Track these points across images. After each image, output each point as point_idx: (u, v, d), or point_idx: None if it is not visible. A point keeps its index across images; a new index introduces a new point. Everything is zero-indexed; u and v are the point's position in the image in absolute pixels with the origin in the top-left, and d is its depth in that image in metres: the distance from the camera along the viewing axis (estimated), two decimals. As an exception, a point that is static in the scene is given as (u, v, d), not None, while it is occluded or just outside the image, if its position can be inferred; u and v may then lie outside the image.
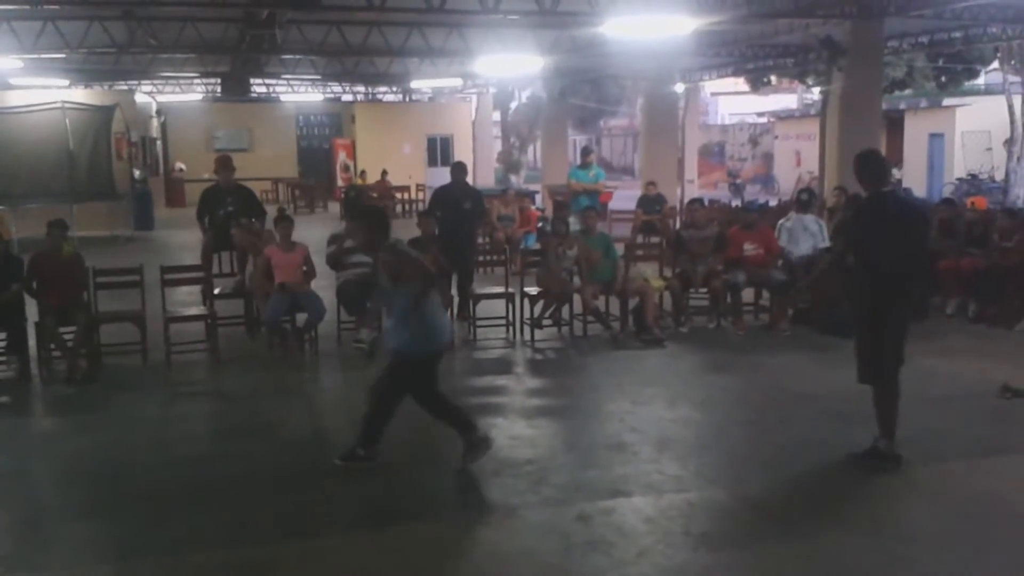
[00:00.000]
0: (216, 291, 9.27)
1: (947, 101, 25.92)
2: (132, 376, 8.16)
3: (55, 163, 17.59)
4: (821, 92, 19.58)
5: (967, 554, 4.51)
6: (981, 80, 28.02)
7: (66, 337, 8.02)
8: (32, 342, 8.17)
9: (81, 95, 20.88)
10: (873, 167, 5.79)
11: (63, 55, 17.82)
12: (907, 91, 27.40)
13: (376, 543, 4.71)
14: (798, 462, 5.84)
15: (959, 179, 24.54)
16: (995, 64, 24.29)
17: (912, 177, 25.28)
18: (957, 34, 18.10)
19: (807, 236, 9.92)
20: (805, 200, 10.29)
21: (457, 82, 26.65)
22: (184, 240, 16.96)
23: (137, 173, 21.78)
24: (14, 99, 19.14)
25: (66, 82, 22.41)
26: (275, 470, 5.80)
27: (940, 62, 24.34)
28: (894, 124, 26.10)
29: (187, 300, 10.12)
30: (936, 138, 26.19)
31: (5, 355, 8.17)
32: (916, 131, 26.65)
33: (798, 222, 9.99)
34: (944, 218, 10.88)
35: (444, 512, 5.14)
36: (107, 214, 18.48)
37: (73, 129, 17.71)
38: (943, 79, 25.70)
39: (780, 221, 10.31)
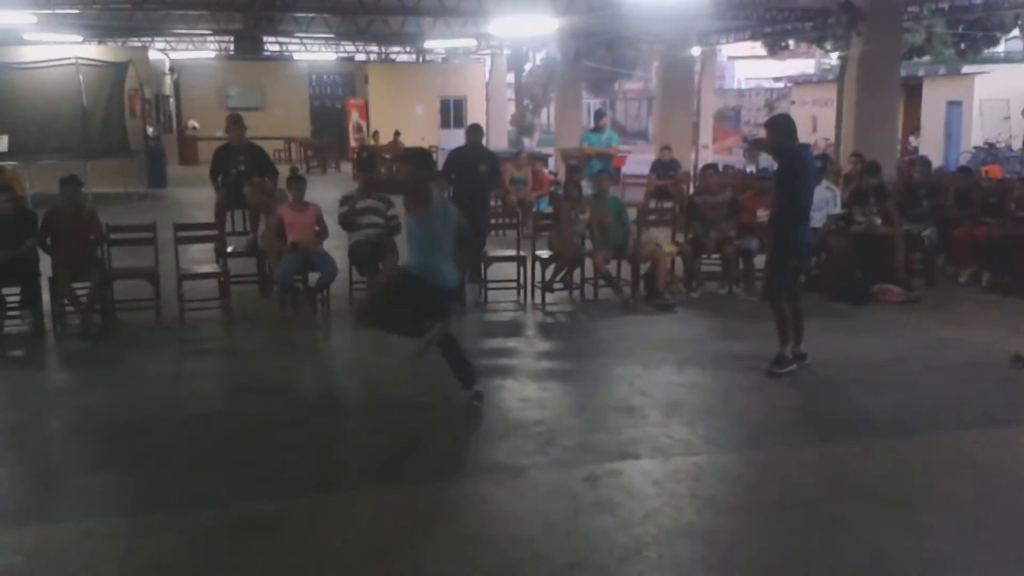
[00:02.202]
0: (229, 249, 9.31)
1: (966, 69, 25.58)
2: (145, 332, 8.22)
3: (69, 119, 17.60)
4: (839, 57, 19.42)
5: (976, 522, 4.52)
6: (1001, 48, 27.65)
7: (80, 293, 8.08)
8: (46, 297, 8.23)
9: (95, 51, 20.79)
10: (790, 126, 6.88)
11: (77, 11, 17.74)
12: (926, 58, 27.07)
13: (385, 501, 4.76)
14: (806, 428, 5.86)
15: (976, 148, 24.28)
16: (1015, 32, 23.98)
17: (929, 145, 25.02)
18: (978, 0, 17.84)
19: (820, 203, 9.85)
20: (820, 167, 10.20)
21: (471, 43, 26.43)
22: (197, 198, 16.98)
23: (150, 130, 21.77)
24: (28, 55, 19.09)
25: (79, 38, 22.31)
26: (286, 427, 5.85)
27: (960, 29, 24.04)
28: (912, 91, 25.79)
29: (200, 258, 10.16)
30: (954, 106, 25.87)
31: (19, 310, 8.24)
32: (934, 99, 26.33)
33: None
34: (960, 187, 10.81)
35: (453, 471, 5.17)
36: (120, 171, 18.49)
37: (87, 85, 17.69)
38: (962, 46, 25.38)
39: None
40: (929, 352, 7.56)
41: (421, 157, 6.23)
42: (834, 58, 27.33)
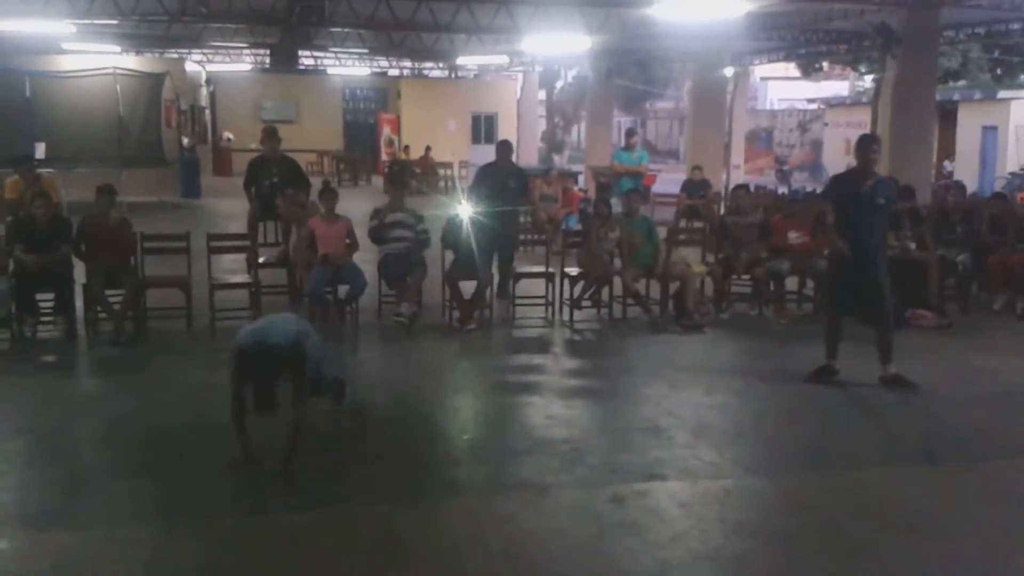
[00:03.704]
0: (260, 260, 9.37)
1: (1002, 93, 25.35)
2: (176, 340, 8.28)
3: (105, 128, 17.85)
4: (874, 80, 19.29)
5: (1006, 553, 4.45)
6: (1038, 73, 27.40)
7: (113, 300, 8.16)
8: (79, 303, 8.32)
9: (132, 62, 21.10)
10: None
11: (115, 21, 18.00)
12: (961, 82, 26.87)
13: (411, 515, 4.75)
14: (836, 454, 5.78)
15: (1012, 173, 24.01)
16: (1054, 57, 23.75)
17: (964, 170, 24.80)
18: (1015, 25, 17.65)
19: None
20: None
21: (503, 60, 26.56)
22: (230, 209, 17.11)
23: (186, 141, 22.02)
24: (67, 64, 19.40)
25: (118, 48, 22.64)
26: (312, 438, 5.85)
27: (996, 54, 23.84)
28: (947, 115, 25.59)
29: (232, 268, 10.23)
30: (989, 131, 25.64)
31: (53, 315, 8.33)
32: (969, 123, 26.11)
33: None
34: (995, 212, 10.68)
35: (477, 488, 5.16)
36: (155, 181, 18.71)
37: (124, 95, 17.94)
38: (998, 71, 25.17)
39: (826, 210, 10.16)
40: (961, 379, 7.46)
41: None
42: (868, 80, 27.17)
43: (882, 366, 7.05)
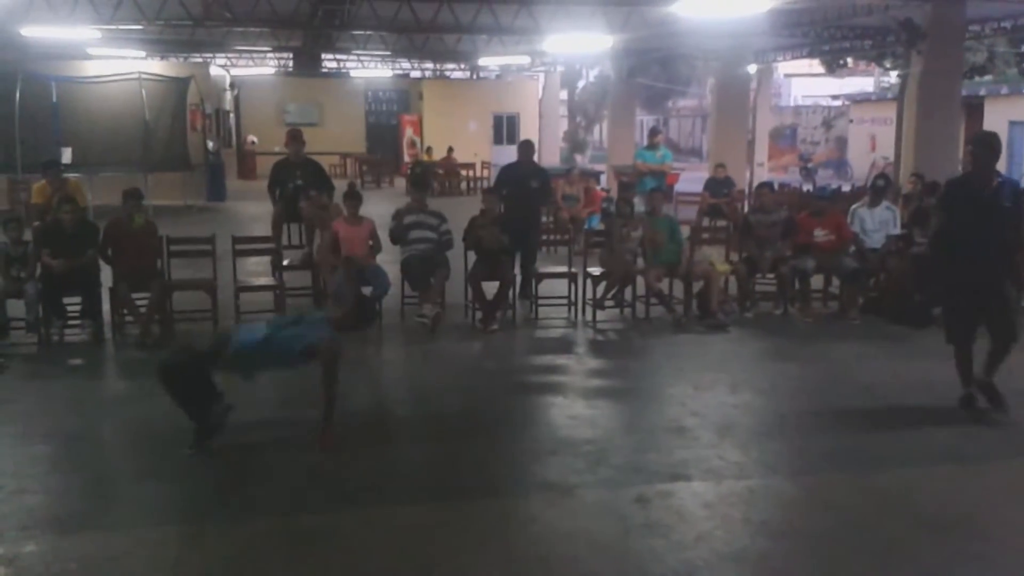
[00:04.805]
0: (284, 262, 9.42)
1: (1029, 88, 25.07)
2: (202, 342, 8.31)
3: (131, 133, 18.01)
4: (899, 76, 19.12)
5: (1037, 554, 4.40)
6: (1067, 67, 27.10)
7: (139, 303, 8.22)
8: (106, 307, 8.40)
9: (157, 67, 21.29)
10: None
11: (140, 27, 18.13)
12: (987, 77, 26.57)
13: (434, 516, 4.76)
14: (862, 453, 5.73)
15: (1040, 169, 23.75)
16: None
17: (991, 166, 24.50)
18: (1042, 19, 17.45)
19: (880, 224, 9.72)
20: (881, 187, 10.04)
21: (525, 60, 26.54)
22: (255, 212, 17.22)
23: (211, 145, 22.15)
24: (92, 69, 19.57)
25: (143, 53, 22.83)
26: (337, 440, 5.87)
27: (1022, 48, 23.56)
28: (973, 110, 25.30)
29: (256, 270, 10.30)
30: (1017, 126, 25.31)
31: (80, 319, 8.41)
32: (996, 118, 25.76)
33: (870, 212, 9.77)
34: (1023, 209, 10.55)
35: (501, 488, 5.15)
36: (181, 184, 18.86)
37: (149, 100, 18.10)
38: (1025, 65, 24.91)
39: (854, 206, 10.09)
40: (997, 379, 7.35)
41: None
42: (893, 76, 26.93)
43: (984, 371, 6.56)
